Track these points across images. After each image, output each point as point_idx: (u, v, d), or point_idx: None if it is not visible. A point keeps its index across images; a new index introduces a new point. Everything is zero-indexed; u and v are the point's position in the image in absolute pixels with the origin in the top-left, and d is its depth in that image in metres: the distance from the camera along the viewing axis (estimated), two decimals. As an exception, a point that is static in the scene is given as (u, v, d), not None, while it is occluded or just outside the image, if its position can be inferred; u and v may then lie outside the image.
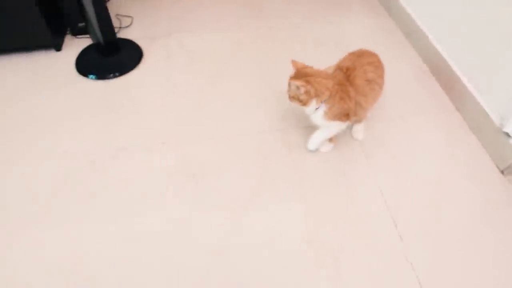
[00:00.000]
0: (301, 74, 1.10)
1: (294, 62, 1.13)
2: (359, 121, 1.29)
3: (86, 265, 1.05)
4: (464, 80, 1.37)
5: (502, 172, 1.23)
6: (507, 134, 1.19)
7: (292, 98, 1.12)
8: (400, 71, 1.57)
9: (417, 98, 1.48)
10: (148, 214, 1.15)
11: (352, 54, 1.19)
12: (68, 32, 1.81)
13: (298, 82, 1.06)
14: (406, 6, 1.72)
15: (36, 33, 1.61)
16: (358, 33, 1.77)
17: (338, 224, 1.12)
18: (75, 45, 1.74)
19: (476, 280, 1.00)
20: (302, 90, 1.07)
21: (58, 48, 1.72)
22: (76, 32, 1.78)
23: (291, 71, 1.15)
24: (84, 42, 1.75)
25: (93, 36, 1.63)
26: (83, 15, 1.55)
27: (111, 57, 1.65)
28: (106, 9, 1.54)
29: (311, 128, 1.27)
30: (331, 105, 1.11)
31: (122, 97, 1.51)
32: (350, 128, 1.34)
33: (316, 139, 1.25)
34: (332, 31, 1.78)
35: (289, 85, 1.11)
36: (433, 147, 1.31)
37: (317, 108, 1.12)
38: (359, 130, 1.32)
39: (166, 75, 1.60)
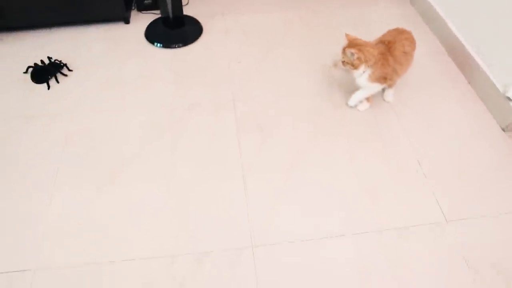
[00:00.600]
0: (353, 44, 1.40)
1: (347, 35, 1.43)
2: (391, 86, 1.59)
3: (178, 198, 1.35)
4: (475, 57, 1.68)
5: (503, 129, 1.54)
6: (509, 98, 1.51)
7: (346, 63, 1.43)
8: (422, 51, 1.86)
9: (435, 73, 1.78)
10: (227, 156, 1.45)
11: (393, 30, 1.50)
12: (133, 8, 2.09)
13: (353, 50, 1.37)
14: (426, -4, 2.03)
15: (112, 6, 1.89)
16: (385, 19, 2.06)
17: (377, 166, 1.43)
18: (140, 19, 2.02)
19: (485, 207, 1.32)
20: (355, 56, 1.38)
21: (127, 21, 2.00)
22: (142, 8, 2.06)
23: (340, 44, 1.45)
24: (148, 17, 2.03)
25: (162, 10, 1.90)
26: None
27: (176, 30, 1.94)
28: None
29: (349, 92, 1.59)
30: (374, 70, 1.42)
31: (189, 63, 1.79)
32: (382, 92, 1.65)
33: (356, 97, 1.57)
34: (364, 17, 2.08)
35: (344, 52, 1.41)
36: (449, 110, 1.62)
37: (364, 72, 1.43)
38: (390, 94, 1.63)
39: (225, 46, 1.89)
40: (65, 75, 1.73)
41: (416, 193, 1.35)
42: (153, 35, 1.92)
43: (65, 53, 1.82)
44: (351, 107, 1.62)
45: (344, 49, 1.42)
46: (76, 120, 1.55)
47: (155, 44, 1.88)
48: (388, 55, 1.43)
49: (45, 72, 1.69)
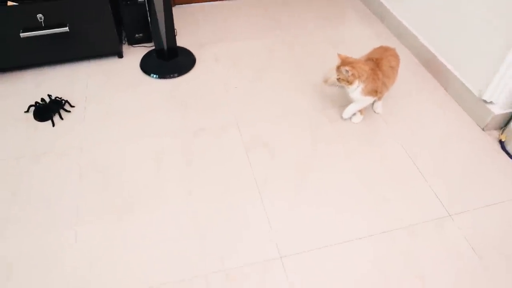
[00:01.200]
0: (346, 62, 1.55)
1: (339, 55, 1.57)
2: (380, 98, 1.74)
3: (197, 219, 1.42)
4: (448, 66, 1.88)
5: (483, 129, 1.72)
6: (484, 101, 1.69)
7: (342, 80, 1.57)
8: (398, 64, 2.06)
9: (414, 82, 1.97)
10: (240, 174, 1.54)
11: (378, 48, 1.67)
12: (124, 42, 2.16)
13: (347, 67, 1.51)
14: (396, 14, 2.22)
15: (108, 42, 1.96)
16: (360, 38, 2.25)
17: (376, 170, 1.55)
18: (132, 53, 2.09)
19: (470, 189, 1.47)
20: (350, 73, 1.53)
21: (120, 55, 2.06)
22: (133, 42, 2.13)
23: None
24: (140, 50, 2.10)
25: (156, 43, 1.99)
26: (147, 25, 1.92)
27: (170, 61, 2.02)
28: (172, 18, 1.91)
29: (342, 106, 1.73)
30: (366, 84, 1.57)
31: (187, 91, 1.88)
32: (371, 104, 1.79)
33: (350, 110, 1.72)
34: (340, 36, 2.25)
35: (339, 70, 1.55)
36: (432, 115, 1.79)
37: (357, 87, 1.57)
38: (379, 105, 1.78)
39: (219, 73, 1.99)
40: (68, 111, 1.76)
41: (417, 192, 1.49)
42: (148, 67, 1.99)
43: (63, 90, 1.85)
44: (345, 119, 1.75)
45: (338, 67, 1.57)
46: (86, 154, 1.58)
47: (151, 75, 1.95)
48: (377, 70, 1.58)
49: (48, 110, 1.72)
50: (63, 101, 1.77)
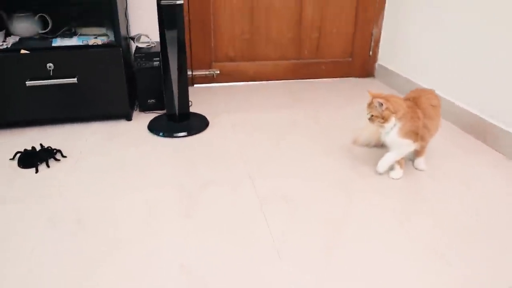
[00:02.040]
0: (379, 96, 1.33)
1: (370, 91, 1.37)
2: (422, 149, 1.46)
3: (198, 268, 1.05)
4: (492, 121, 1.64)
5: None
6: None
7: (376, 117, 1.33)
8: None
9: (458, 147, 1.69)
10: (254, 234, 1.20)
11: (414, 90, 1.47)
12: (136, 108, 2.04)
13: (380, 100, 1.29)
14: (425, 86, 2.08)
15: (117, 102, 1.83)
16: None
17: (429, 229, 1.19)
18: (142, 117, 1.95)
19: None
20: (384, 106, 1.30)
21: (129, 118, 1.92)
22: (145, 108, 2.01)
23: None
24: (151, 116, 1.96)
25: (168, 108, 1.84)
26: (161, 91, 1.83)
27: (181, 122, 1.85)
28: (186, 82, 1.81)
29: (375, 165, 1.45)
30: (404, 123, 1.33)
31: (197, 149, 1.65)
32: (412, 162, 1.51)
33: (386, 161, 1.43)
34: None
35: (371, 106, 1.33)
36: (482, 173, 1.47)
37: (394, 125, 1.32)
38: (421, 161, 1.49)
39: (234, 135, 1.79)
40: (58, 159, 1.54)
41: (482, 254, 1.09)
42: (157, 126, 1.82)
43: (61, 143, 1.66)
44: (380, 174, 1.45)
45: (370, 104, 1.35)
46: (64, 202, 1.29)
47: (158, 134, 1.76)
48: (416, 108, 1.35)
49: (35, 157, 1.50)
50: (55, 151, 1.56)
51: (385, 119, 1.32)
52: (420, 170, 1.49)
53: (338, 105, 2.17)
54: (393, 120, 1.32)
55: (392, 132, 1.34)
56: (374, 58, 2.54)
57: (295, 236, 1.15)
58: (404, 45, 2.27)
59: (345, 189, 1.39)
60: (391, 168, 1.45)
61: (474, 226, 1.21)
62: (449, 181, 1.44)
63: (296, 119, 1.97)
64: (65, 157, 1.56)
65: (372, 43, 2.51)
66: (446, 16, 1.92)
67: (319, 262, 1.06)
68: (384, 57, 2.49)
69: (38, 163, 1.49)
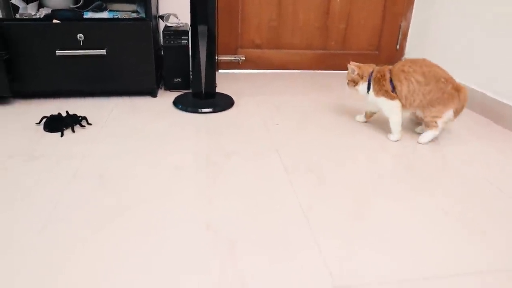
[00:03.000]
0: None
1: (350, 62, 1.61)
2: (426, 123, 1.52)
3: (224, 226, 1.02)
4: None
5: None
6: None
7: (350, 81, 1.60)
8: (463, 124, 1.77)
9: (491, 137, 1.64)
10: (280, 200, 1.17)
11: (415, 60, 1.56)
12: (161, 87, 2.04)
13: (354, 66, 1.58)
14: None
15: (143, 77, 1.83)
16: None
17: (458, 195, 1.14)
18: (167, 95, 1.94)
19: None
20: (356, 72, 1.57)
21: (154, 95, 1.91)
22: (170, 87, 2.01)
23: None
24: (176, 94, 1.95)
25: (194, 86, 1.83)
26: (187, 70, 1.82)
27: (206, 100, 1.84)
28: (214, 61, 1.80)
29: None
30: (373, 84, 1.55)
31: (222, 123, 1.63)
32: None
33: (394, 129, 1.55)
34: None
35: (349, 73, 1.59)
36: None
37: (368, 90, 1.56)
38: (425, 135, 1.53)
39: (259, 113, 1.77)
40: (83, 126, 1.54)
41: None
42: (182, 102, 1.81)
43: (86, 113, 1.66)
44: (397, 140, 1.56)
45: (349, 71, 1.60)
46: (88, 162, 1.28)
47: (183, 108, 1.75)
48: (387, 70, 1.53)
49: (60, 122, 1.50)
50: (80, 117, 1.56)
51: (355, 82, 1.58)
52: (419, 143, 1.53)
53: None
54: (360, 83, 1.56)
55: (370, 94, 1.56)
56: (401, 51, 2.51)
57: (323, 203, 1.11)
58: (433, 39, 2.23)
59: (371, 160, 1.35)
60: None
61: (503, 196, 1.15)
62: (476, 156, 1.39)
63: (322, 102, 1.94)
64: (90, 124, 1.56)
65: (400, 36, 2.47)
66: (481, 9, 1.87)
67: (347, 227, 1.02)
68: (412, 51, 2.45)
69: (64, 128, 1.49)
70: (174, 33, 1.91)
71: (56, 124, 1.50)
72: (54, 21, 1.70)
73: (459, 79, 2.00)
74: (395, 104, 1.50)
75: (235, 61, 2.40)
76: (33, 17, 1.74)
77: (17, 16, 1.75)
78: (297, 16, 2.36)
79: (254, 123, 1.66)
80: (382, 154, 1.43)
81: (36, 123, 1.53)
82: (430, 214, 1.08)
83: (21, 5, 1.78)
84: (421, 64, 1.48)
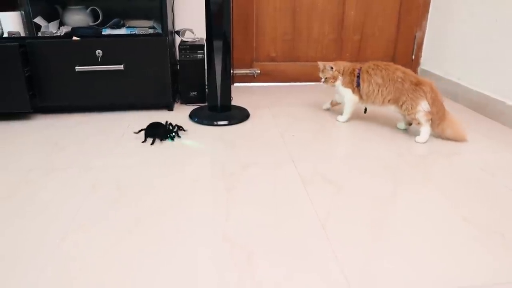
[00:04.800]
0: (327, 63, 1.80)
1: (319, 62, 1.82)
2: (416, 121, 1.61)
3: (241, 235, 1.02)
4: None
5: None
6: None
7: (329, 78, 1.78)
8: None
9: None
10: (296, 209, 1.16)
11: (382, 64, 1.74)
12: (177, 101, 2.06)
13: (331, 64, 1.77)
14: (472, 88, 2.01)
15: (162, 94, 1.86)
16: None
17: (480, 206, 1.11)
18: (184, 109, 1.96)
19: None
20: (334, 69, 1.76)
21: (170, 108, 1.94)
22: (186, 101, 2.03)
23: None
24: (192, 108, 1.97)
25: (210, 100, 1.85)
26: (203, 84, 1.86)
27: (222, 113, 1.85)
28: (230, 75, 1.82)
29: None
30: (344, 77, 1.77)
31: (239, 135, 1.64)
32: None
33: (345, 113, 1.82)
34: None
35: (324, 72, 1.79)
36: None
37: (340, 81, 1.77)
38: (420, 134, 1.61)
39: (275, 124, 1.77)
40: (179, 136, 1.56)
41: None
42: (198, 115, 1.83)
43: (104, 127, 1.69)
44: (344, 121, 1.83)
45: (323, 70, 1.79)
46: (105, 174, 1.30)
47: (200, 121, 1.77)
48: (357, 69, 1.74)
49: (155, 131, 1.60)
50: (176, 127, 1.62)
51: (335, 78, 1.77)
52: (417, 142, 1.60)
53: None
54: (340, 77, 1.76)
55: (340, 85, 1.77)
56: (416, 62, 2.49)
57: (341, 213, 1.10)
58: (449, 48, 2.21)
59: (389, 171, 1.33)
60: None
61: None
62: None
63: (337, 113, 1.93)
64: (185, 130, 1.58)
65: (415, 47, 2.46)
66: (496, 16, 1.85)
67: (366, 237, 1.00)
68: (427, 61, 2.43)
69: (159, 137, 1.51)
70: (190, 47, 1.94)
71: (152, 131, 1.59)
72: (74, 38, 1.75)
73: (475, 87, 1.98)
74: (353, 98, 1.76)
75: (251, 74, 2.42)
76: (54, 35, 1.80)
77: (39, 34, 1.81)
78: (312, 29, 2.37)
79: (270, 134, 1.66)
80: (400, 163, 1.41)
81: (135, 132, 1.62)
82: (451, 223, 1.05)
83: (43, 23, 1.84)
84: (382, 68, 1.67)
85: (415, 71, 2.50)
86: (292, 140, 1.60)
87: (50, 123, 1.75)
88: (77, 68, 1.74)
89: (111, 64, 1.77)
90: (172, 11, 2.17)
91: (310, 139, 1.62)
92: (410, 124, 1.69)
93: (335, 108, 1.95)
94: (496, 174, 1.34)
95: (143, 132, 1.59)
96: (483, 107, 1.93)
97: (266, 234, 1.00)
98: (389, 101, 1.65)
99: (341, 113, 1.84)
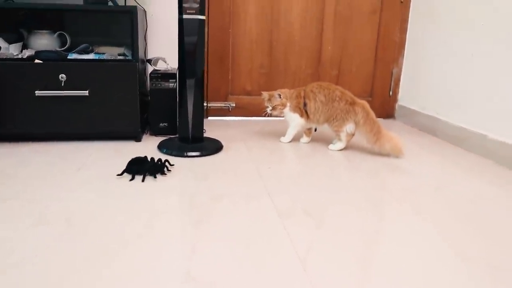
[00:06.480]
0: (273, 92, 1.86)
1: (263, 92, 1.88)
2: (338, 136, 1.80)
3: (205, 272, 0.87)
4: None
5: None
6: None
7: (277, 105, 1.82)
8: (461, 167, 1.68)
9: (494, 181, 1.54)
10: (274, 248, 1.03)
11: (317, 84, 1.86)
12: (146, 132, 1.94)
13: (278, 92, 1.83)
14: (452, 121, 1.97)
15: (129, 124, 1.74)
16: (416, 156, 1.94)
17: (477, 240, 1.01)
18: (152, 140, 1.84)
19: None
20: (282, 96, 1.82)
21: (138, 139, 1.81)
22: (156, 132, 1.90)
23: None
24: (162, 139, 1.85)
25: (181, 131, 1.73)
26: (174, 115, 1.75)
27: (194, 144, 1.73)
28: (202, 105, 1.72)
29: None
30: (291, 102, 1.84)
31: (210, 167, 1.52)
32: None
33: (288, 134, 1.91)
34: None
35: (271, 101, 1.83)
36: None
37: (288, 107, 1.84)
38: (335, 145, 1.82)
39: (249, 156, 1.66)
40: (165, 174, 1.40)
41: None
42: (167, 146, 1.70)
43: (63, 156, 1.54)
44: (286, 142, 1.91)
45: (269, 99, 1.84)
46: (55, 206, 1.14)
47: (169, 152, 1.64)
48: (302, 92, 1.85)
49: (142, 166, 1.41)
50: (162, 163, 1.44)
51: (283, 105, 1.82)
52: (329, 149, 1.81)
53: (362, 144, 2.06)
54: (288, 104, 1.82)
55: (287, 112, 1.84)
56: (394, 98, 2.47)
57: (321, 250, 0.97)
58: (425, 83, 2.20)
59: (371, 203, 1.22)
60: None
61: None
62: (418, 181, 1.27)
63: (316, 146, 1.84)
64: (172, 165, 1.43)
65: (392, 83, 2.45)
66: (473, 49, 1.86)
67: (350, 277, 0.87)
68: (405, 97, 2.41)
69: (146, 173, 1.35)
70: (162, 75, 1.85)
71: (136, 167, 1.39)
72: (36, 61, 1.63)
73: (454, 121, 1.95)
74: (301, 122, 1.85)
75: (225, 108, 2.34)
76: (15, 57, 1.67)
77: (-2, 56, 1.68)
78: (289, 62, 2.34)
79: (244, 167, 1.54)
80: (383, 194, 1.31)
81: (118, 175, 1.38)
82: (442, 258, 0.94)
83: (3, 45, 1.72)
84: (325, 87, 1.80)
85: (393, 107, 2.49)
86: (268, 172, 1.49)
87: (3, 151, 1.58)
88: (37, 93, 1.61)
89: (75, 90, 1.65)
90: (145, 39, 2.09)
91: (287, 171, 1.51)
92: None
93: (313, 135, 1.96)
94: (484, 205, 1.26)
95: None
96: (462, 140, 1.89)
97: (236, 273, 0.86)
98: (327, 118, 1.79)
99: (326, 141, 1.92)
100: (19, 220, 1.05)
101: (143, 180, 1.34)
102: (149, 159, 1.45)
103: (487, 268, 0.92)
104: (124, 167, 1.40)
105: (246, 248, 0.96)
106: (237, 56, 2.28)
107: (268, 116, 1.89)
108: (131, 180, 1.35)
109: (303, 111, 1.82)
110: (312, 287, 0.82)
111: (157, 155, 1.62)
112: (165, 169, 1.43)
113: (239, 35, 2.26)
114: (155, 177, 1.38)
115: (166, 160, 1.45)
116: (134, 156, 1.46)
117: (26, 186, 1.27)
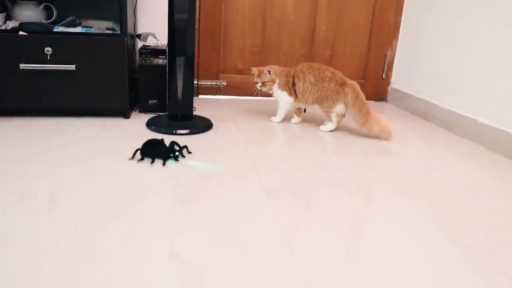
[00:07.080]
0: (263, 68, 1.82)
1: (252, 68, 1.83)
2: (328, 117, 1.79)
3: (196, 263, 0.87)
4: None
5: None
6: None
7: (267, 82, 1.79)
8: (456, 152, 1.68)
9: (487, 167, 1.54)
10: (261, 228, 1.02)
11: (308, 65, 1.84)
12: (135, 109, 1.90)
13: (268, 68, 1.80)
14: (445, 106, 1.97)
15: (117, 100, 1.70)
16: (407, 137, 1.94)
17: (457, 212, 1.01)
18: (141, 117, 1.80)
19: None
20: (272, 72, 1.79)
21: (127, 116, 1.77)
22: (145, 109, 1.87)
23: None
24: (151, 116, 1.82)
25: (171, 107, 1.70)
26: (163, 92, 1.72)
27: (183, 122, 1.70)
28: (192, 82, 1.69)
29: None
30: (280, 79, 1.81)
31: (199, 145, 1.49)
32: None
33: (278, 114, 1.89)
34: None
35: (260, 77, 1.80)
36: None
37: (277, 84, 1.81)
38: (325, 126, 1.81)
39: (239, 135, 1.64)
40: (184, 156, 1.37)
41: None
42: (156, 123, 1.67)
43: (47, 133, 1.50)
44: (278, 122, 1.89)
45: (259, 75, 1.80)
46: (37, 183, 1.12)
47: (158, 130, 1.61)
48: (292, 70, 1.82)
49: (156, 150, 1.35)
50: (180, 148, 1.38)
51: (273, 81, 1.79)
52: (320, 130, 1.81)
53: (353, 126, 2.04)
54: (277, 80, 1.79)
55: (275, 89, 1.81)
56: (387, 81, 2.45)
57: (309, 230, 0.97)
58: (419, 67, 2.18)
59: (360, 184, 1.22)
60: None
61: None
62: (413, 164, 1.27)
63: (305, 128, 1.83)
64: (190, 153, 1.40)
65: (386, 66, 2.43)
66: (469, 33, 1.84)
67: (336, 257, 0.87)
68: (398, 80, 2.40)
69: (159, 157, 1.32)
70: (152, 51, 1.81)
71: (150, 150, 1.34)
72: (21, 33, 1.58)
73: (446, 106, 1.94)
74: (289, 100, 1.82)
75: (216, 86, 2.30)
76: (-2, 28, 1.62)
77: (-20, 27, 1.62)
78: (281, 42, 2.30)
79: (234, 145, 1.53)
80: (372, 176, 1.31)
81: (130, 158, 1.32)
82: (431, 239, 0.95)
83: (-15, 16, 1.66)
84: (315, 67, 1.78)
85: (385, 90, 2.47)
86: (258, 152, 1.48)
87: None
88: (22, 66, 1.56)
89: (61, 64, 1.60)
90: (134, 14, 2.03)
91: (277, 151, 1.50)
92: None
93: (304, 115, 1.94)
94: (474, 189, 1.26)
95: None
96: (455, 125, 1.89)
97: (222, 253, 0.85)
98: (316, 99, 1.76)
99: (317, 122, 1.89)
100: (2, 195, 1.03)
101: (164, 164, 1.29)
102: (162, 142, 1.38)
103: (476, 251, 0.93)
104: (127, 146, 1.37)
105: (233, 227, 0.95)
106: (229, 33, 2.24)
107: (258, 94, 1.86)
108: (152, 163, 1.30)
109: (292, 90, 1.80)
110: (299, 268, 0.82)
111: (146, 133, 1.60)
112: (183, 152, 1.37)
113: (232, 11, 2.21)
114: (176, 159, 1.32)
115: (185, 146, 1.40)
116: (142, 138, 1.44)
117: (10, 161, 1.24)
